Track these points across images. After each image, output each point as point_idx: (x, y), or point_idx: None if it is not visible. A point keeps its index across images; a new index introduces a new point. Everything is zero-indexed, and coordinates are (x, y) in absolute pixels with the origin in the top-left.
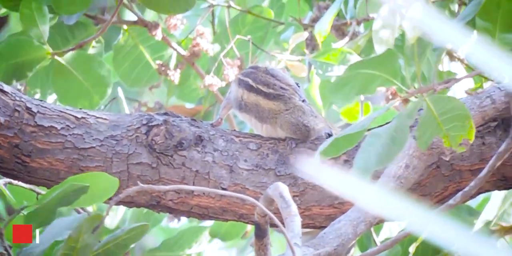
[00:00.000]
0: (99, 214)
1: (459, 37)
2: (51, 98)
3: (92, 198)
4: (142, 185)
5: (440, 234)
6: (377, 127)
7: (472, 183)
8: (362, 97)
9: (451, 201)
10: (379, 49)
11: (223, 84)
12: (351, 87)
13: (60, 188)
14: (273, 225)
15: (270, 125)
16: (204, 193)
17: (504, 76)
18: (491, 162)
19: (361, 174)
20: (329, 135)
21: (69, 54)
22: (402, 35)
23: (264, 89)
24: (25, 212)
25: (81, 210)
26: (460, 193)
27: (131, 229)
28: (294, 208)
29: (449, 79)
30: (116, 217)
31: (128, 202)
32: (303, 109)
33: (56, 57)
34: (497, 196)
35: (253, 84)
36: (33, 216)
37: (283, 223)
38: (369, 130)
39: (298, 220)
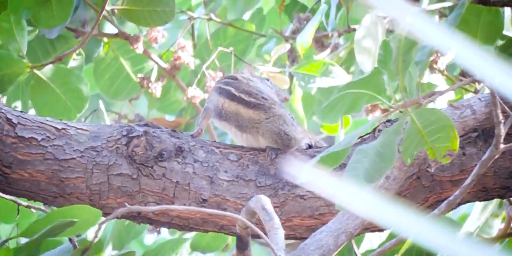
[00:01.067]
0: (85, 240)
1: (445, 43)
2: (32, 111)
3: (77, 229)
4: (129, 206)
5: (426, 240)
6: (360, 137)
7: (456, 192)
8: None
9: (436, 211)
10: (360, 59)
11: (206, 96)
12: (340, 107)
13: (48, 222)
14: (254, 237)
15: (250, 135)
16: (184, 204)
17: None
18: (475, 170)
19: (350, 191)
20: (310, 146)
21: (48, 68)
22: (385, 49)
23: (245, 97)
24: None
25: None
26: (445, 202)
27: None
28: (277, 220)
29: (433, 92)
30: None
31: (109, 214)
32: (284, 118)
33: (35, 70)
34: (478, 208)
35: (235, 93)
36: (22, 251)
37: (265, 234)
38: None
39: (281, 233)
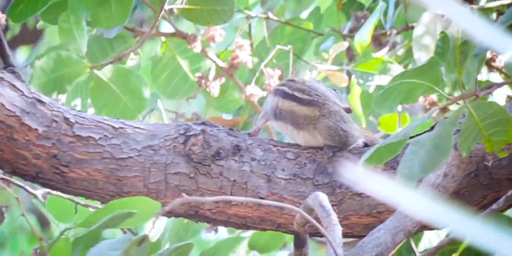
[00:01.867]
0: (144, 235)
1: (500, 43)
2: (91, 111)
3: (136, 220)
4: (187, 197)
5: (483, 241)
6: (416, 135)
7: None
8: (399, 108)
9: (494, 206)
10: (418, 56)
11: (264, 94)
12: (395, 97)
13: (106, 213)
14: (312, 235)
15: (307, 132)
16: (242, 203)
17: None
18: None
19: (406, 182)
20: (366, 145)
21: (108, 68)
22: (444, 41)
23: (299, 95)
24: (66, 233)
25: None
26: (503, 197)
27: (176, 248)
28: (334, 217)
29: (491, 84)
30: (155, 227)
31: (167, 212)
32: (340, 114)
33: (94, 70)
34: None
35: (289, 91)
36: (80, 241)
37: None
38: (410, 138)
39: (339, 230)
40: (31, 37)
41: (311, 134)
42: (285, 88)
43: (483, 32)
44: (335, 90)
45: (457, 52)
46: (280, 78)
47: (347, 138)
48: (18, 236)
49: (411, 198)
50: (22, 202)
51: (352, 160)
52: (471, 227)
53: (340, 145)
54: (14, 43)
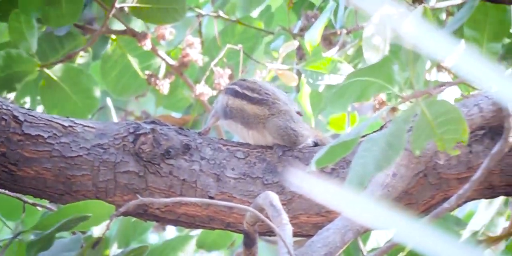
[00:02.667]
0: (92, 236)
1: (447, 46)
2: (40, 109)
3: (90, 223)
4: (142, 198)
5: (427, 244)
6: (366, 135)
7: (466, 186)
8: (349, 107)
9: (445, 204)
10: (368, 56)
11: (214, 93)
12: (349, 95)
13: (61, 217)
14: (261, 234)
15: (257, 131)
16: (191, 202)
17: (491, 85)
18: (484, 164)
19: (359, 180)
20: (316, 144)
21: (58, 67)
22: (397, 40)
23: (249, 93)
24: (20, 236)
25: None
26: (454, 196)
27: (132, 250)
28: (285, 216)
29: (443, 83)
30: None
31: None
32: (290, 113)
33: (44, 69)
34: (483, 207)
35: (239, 90)
36: (35, 244)
37: (272, 231)
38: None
39: (289, 229)
40: None
41: (261, 133)
42: (236, 87)
43: (429, 36)
44: (286, 92)
45: (410, 50)
46: (230, 77)
47: (297, 137)
48: None
49: (355, 203)
50: None
51: (301, 159)
52: (413, 230)
53: (289, 144)
54: None
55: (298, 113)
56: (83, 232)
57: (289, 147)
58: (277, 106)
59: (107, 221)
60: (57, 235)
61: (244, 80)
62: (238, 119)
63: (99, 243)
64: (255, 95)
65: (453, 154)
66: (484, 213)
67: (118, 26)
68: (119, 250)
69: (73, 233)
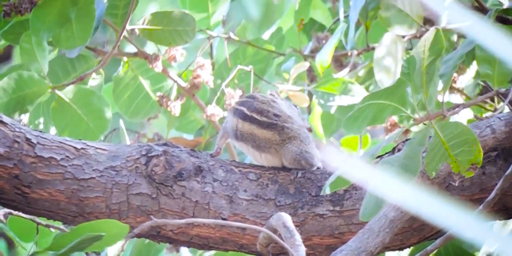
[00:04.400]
0: None
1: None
2: (53, 130)
3: (104, 243)
4: (156, 220)
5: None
6: (379, 157)
7: (480, 207)
8: None
9: None
10: (380, 78)
11: (225, 114)
12: (364, 118)
13: (74, 236)
14: (275, 255)
15: (270, 155)
16: (204, 224)
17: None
18: (499, 184)
19: (375, 203)
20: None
21: (69, 88)
22: (409, 61)
23: (258, 117)
24: None
25: None
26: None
27: None
28: (298, 237)
29: (457, 105)
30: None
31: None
32: (300, 137)
33: (56, 91)
34: (497, 228)
35: (247, 113)
36: None
37: (285, 253)
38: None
39: (302, 250)
40: (2, 55)
41: (274, 156)
42: (244, 110)
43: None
44: (295, 106)
45: (423, 72)
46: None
47: (312, 159)
48: None
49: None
50: None
51: (314, 180)
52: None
53: (306, 166)
54: None
55: (309, 129)
56: (98, 254)
57: (305, 170)
58: (286, 131)
59: (122, 242)
60: None
61: (253, 98)
62: (249, 142)
63: None
64: (263, 118)
65: (467, 175)
66: (498, 234)
67: (130, 48)
68: None
69: (87, 254)
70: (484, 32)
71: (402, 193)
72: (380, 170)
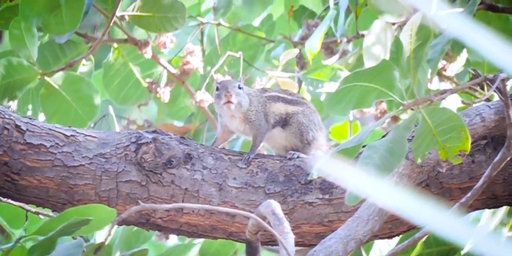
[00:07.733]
0: (100, 243)
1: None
2: (42, 117)
3: (91, 228)
4: (144, 204)
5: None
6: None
7: (468, 194)
8: (351, 117)
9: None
10: (369, 65)
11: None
12: (348, 100)
13: (62, 221)
14: (264, 243)
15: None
16: (193, 211)
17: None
18: (487, 172)
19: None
20: None
21: (59, 75)
22: (397, 46)
23: (287, 96)
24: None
25: None
26: (457, 204)
27: (132, 253)
28: (287, 225)
29: (444, 90)
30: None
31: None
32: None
33: (45, 77)
34: (486, 216)
35: (279, 94)
36: (36, 249)
37: (274, 240)
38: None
39: (291, 237)
40: None
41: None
42: (276, 92)
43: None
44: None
45: (410, 56)
46: None
47: (313, 139)
48: None
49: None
50: None
51: (303, 168)
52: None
53: (305, 142)
54: None
55: None
56: (86, 240)
57: (303, 152)
58: (310, 105)
59: (109, 227)
60: (61, 241)
61: (266, 90)
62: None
63: (101, 249)
64: (290, 97)
65: (455, 162)
66: (487, 223)
67: (121, 34)
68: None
69: (74, 239)
70: (458, 22)
71: (381, 189)
72: (366, 156)
